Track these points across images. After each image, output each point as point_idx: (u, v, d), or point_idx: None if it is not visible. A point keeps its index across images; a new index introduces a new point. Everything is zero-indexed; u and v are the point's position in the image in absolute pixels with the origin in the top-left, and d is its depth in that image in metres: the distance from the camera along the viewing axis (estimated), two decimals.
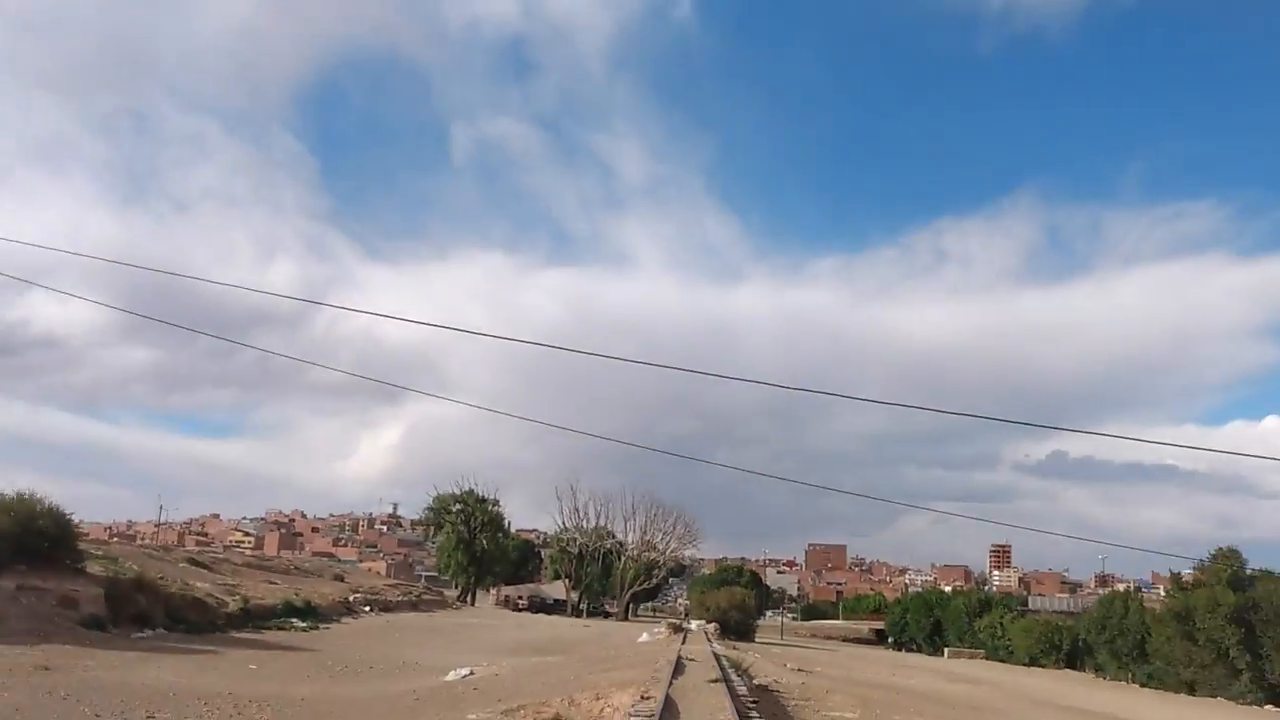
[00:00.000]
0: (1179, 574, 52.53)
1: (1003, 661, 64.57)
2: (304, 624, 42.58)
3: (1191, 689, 45.05)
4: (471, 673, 25.79)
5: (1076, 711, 29.91)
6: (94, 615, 30.55)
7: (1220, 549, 47.71)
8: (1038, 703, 32.74)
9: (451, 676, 25.03)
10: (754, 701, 18.92)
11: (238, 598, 42.64)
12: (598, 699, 18.13)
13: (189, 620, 36.03)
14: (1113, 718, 28.79)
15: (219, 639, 33.83)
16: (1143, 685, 48.43)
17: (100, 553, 41.74)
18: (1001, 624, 71.47)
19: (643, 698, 17.22)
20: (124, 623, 32.31)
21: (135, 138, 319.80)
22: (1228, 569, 45.91)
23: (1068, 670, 59.25)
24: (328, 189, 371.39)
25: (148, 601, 34.61)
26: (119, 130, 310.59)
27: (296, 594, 48.80)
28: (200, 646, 30.55)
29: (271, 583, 53.48)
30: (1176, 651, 46.32)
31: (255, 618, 41.07)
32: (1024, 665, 61.76)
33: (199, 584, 43.67)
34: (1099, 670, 56.21)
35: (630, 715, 14.96)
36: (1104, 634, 54.77)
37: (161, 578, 40.76)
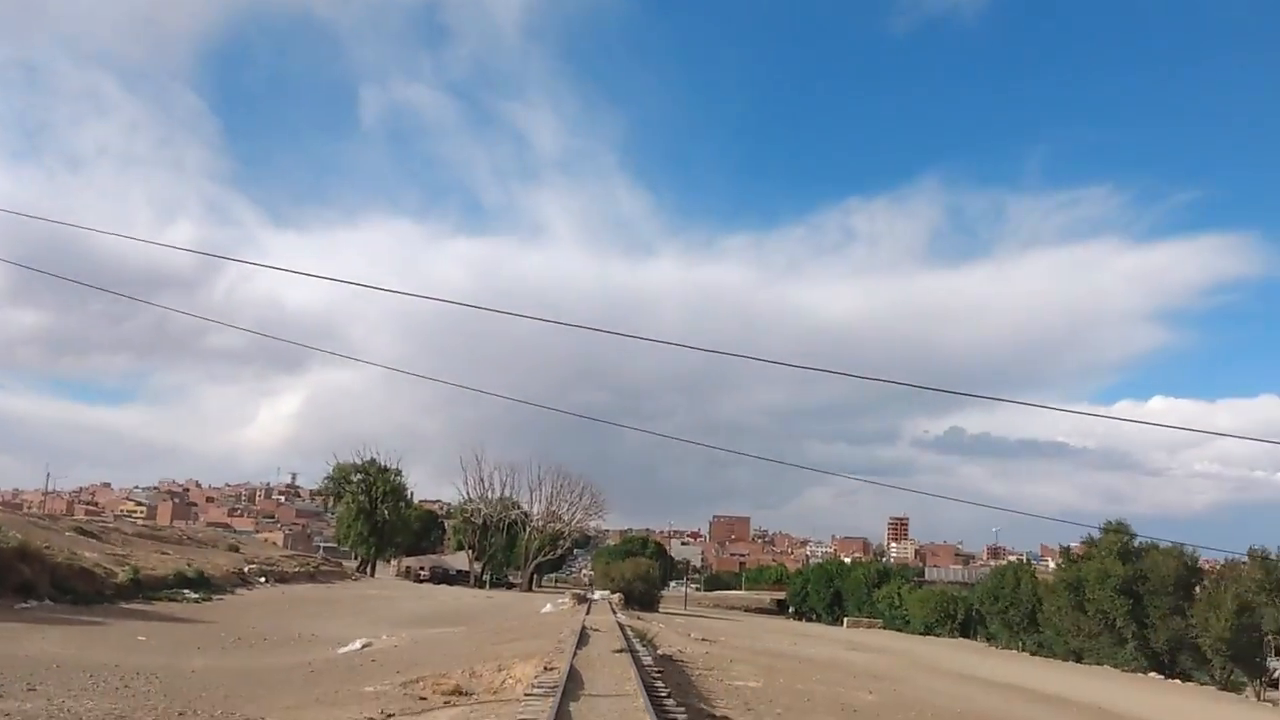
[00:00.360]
0: (1069, 547, 54.90)
1: (900, 631, 66.93)
2: (196, 595, 41.59)
3: (1079, 657, 47.34)
4: (369, 645, 25.65)
5: (973, 679, 31.29)
6: None
7: (1109, 522, 49.70)
8: (936, 670, 34.09)
9: (348, 648, 24.84)
10: (659, 672, 19.20)
11: (128, 568, 41.36)
12: (500, 670, 18.25)
13: (76, 591, 34.88)
14: (1008, 685, 30.19)
15: (108, 610, 32.86)
16: (1033, 654, 50.73)
17: None
18: (899, 594, 74.01)
19: (546, 669, 17.37)
20: (7, 593, 31.11)
21: (26, 90, 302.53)
22: (1117, 541, 47.96)
23: (962, 639, 61.68)
24: (231, 150, 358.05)
25: (32, 571, 33.35)
26: (9, 82, 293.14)
27: (189, 565, 47.57)
28: (88, 618, 29.65)
29: (163, 553, 51.98)
30: (1066, 621, 48.55)
31: (146, 589, 39.93)
32: (920, 634, 64.12)
33: (87, 554, 42.21)
34: (991, 639, 58.65)
35: (534, 686, 15.08)
36: (997, 604, 57.14)
37: (47, 547, 39.23)
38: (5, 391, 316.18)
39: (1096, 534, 50.91)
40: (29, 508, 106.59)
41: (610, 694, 14.18)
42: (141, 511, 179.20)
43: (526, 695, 13.70)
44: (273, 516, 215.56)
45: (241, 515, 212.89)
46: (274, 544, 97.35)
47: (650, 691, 14.96)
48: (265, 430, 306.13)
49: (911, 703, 21.61)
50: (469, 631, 31.77)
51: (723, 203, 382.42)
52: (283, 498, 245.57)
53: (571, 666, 16.99)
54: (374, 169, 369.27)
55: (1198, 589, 44.29)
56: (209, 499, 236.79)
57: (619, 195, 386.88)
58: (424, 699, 15.73)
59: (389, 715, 13.29)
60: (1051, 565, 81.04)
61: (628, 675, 16.67)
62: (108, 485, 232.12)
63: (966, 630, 64.51)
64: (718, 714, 16.05)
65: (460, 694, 16.19)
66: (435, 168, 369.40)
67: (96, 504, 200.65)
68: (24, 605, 30.16)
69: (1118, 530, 49.43)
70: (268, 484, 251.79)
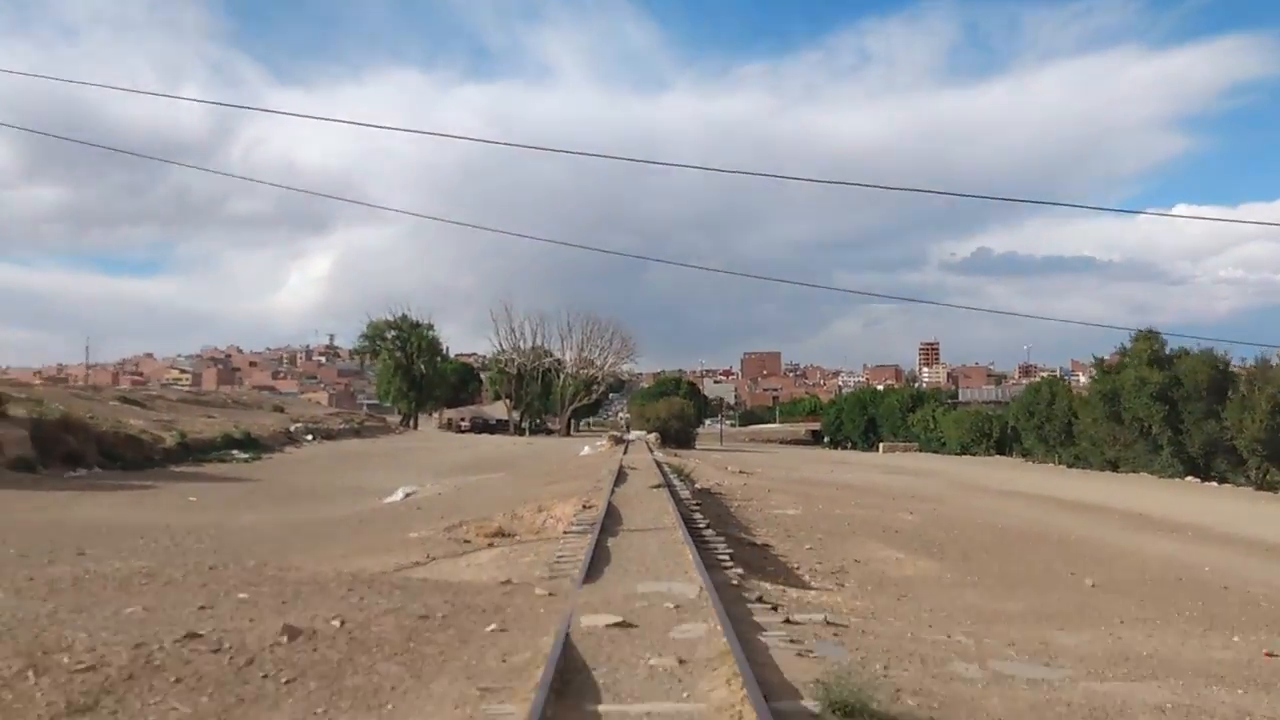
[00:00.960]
0: (1102, 358, 54.09)
1: (935, 453, 67.68)
2: (245, 455, 42.53)
3: (1115, 467, 47.53)
4: (412, 494, 26.09)
5: (1014, 495, 31.41)
6: (21, 458, 29.96)
7: (1141, 331, 49.04)
8: (975, 488, 34.32)
9: (393, 498, 25.29)
10: (697, 504, 19.34)
11: (175, 433, 42.26)
12: (540, 511, 18.40)
13: (124, 458, 35.65)
14: (1048, 497, 30.29)
15: (157, 474, 33.61)
16: (1069, 466, 51.00)
17: (24, 395, 40.73)
18: (934, 417, 74.45)
19: (585, 507, 17.49)
20: (55, 464, 31.82)
21: None
22: (1149, 349, 47.30)
23: (998, 457, 62.23)
24: (228, 7, 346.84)
25: (78, 441, 34.05)
26: None
27: (236, 427, 48.57)
28: (138, 482, 30.33)
29: (209, 417, 53.08)
30: (1101, 432, 48.47)
31: (194, 452, 40.85)
32: (956, 455, 64.78)
33: (133, 421, 43.07)
34: (1027, 455, 59.06)
35: (573, 525, 15.13)
36: (1032, 420, 57.14)
37: (92, 417, 40.04)
38: (36, 269, 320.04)
39: (1128, 345, 50.20)
40: (74, 382, 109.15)
41: (649, 528, 14.18)
42: (187, 379, 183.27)
43: (565, 533, 13.74)
44: (315, 378, 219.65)
45: (285, 378, 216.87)
46: (319, 404, 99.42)
47: (689, 523, 14.95)
48: (298, 294, 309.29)
49: (952, 520, 21.68)
50: (509, 477, 32.31)
51: (735, 30, 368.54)
52: (323, 359, 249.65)
53: (609, 504, 17.07)
54: (376, 19, 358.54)
55: (1230, 392, 43.79)
56: (251, 363, 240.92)
57: (627, 29, 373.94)
58: (468, 541, 15.86)
59: (433, 558, 13.38)
60: (1083, 380, 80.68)
61: (666, 509, 16.70)
62: (150, 355, 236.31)
63: (1002, 448, 64.97)
64: (758, 542, 16.10)
65: (502, 535, 16.31)
66: (437, 12, 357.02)
67: (141, 374, 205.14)
68: (73, 474, 30.87)
69: (1149, 338, 48.75)
70: (307, 346, 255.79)
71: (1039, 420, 56.66)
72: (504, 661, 6.83)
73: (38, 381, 73.77)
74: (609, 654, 6.91)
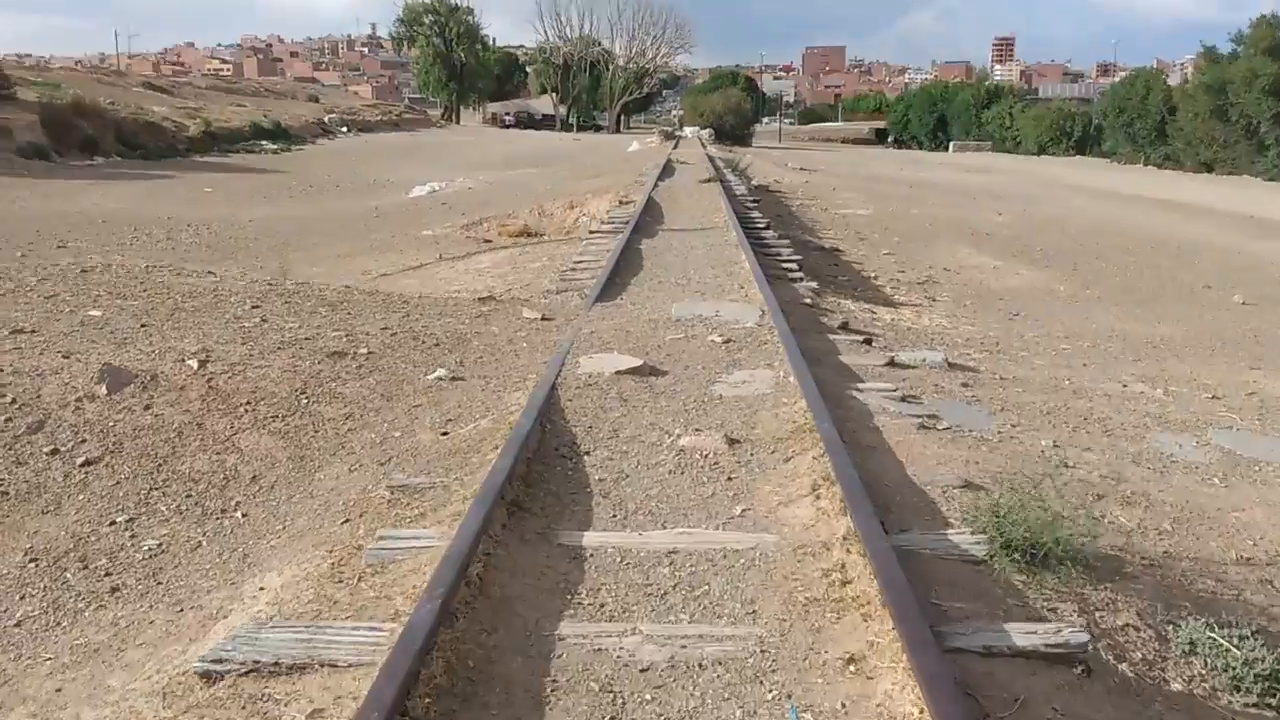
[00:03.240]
0: (1212, 46, 48.12)
1: (1010, 153, 63.20)
2: (275, 146, 40.43)
3: (1210, 168, 43.64)
4: (440, 188, 23.94)
5: (1111, 195, 28.40)
6: (32, 143, 28.19)
7: (1262, 16, 43.27)
8: (1063, 187, 31.27)
9: (417, 192, 23.22)
10: (755, 201, 16.96)
11: (199, 121, 40.03)
12: (572, 208, 16.29)
13: (145, 146, 33.77)
14: (1147, 198, 27.35)
15: (179, 164, 31.85)
16: (1159, 167, 47.06)
17: (39, 79, 38.35)
18: (1010, 114, 68.73)
19: (621, 203, 15.26)
20: (70, 151, 30.05)
21: None
22: (1268, 37, 41.78)
23: (1078, 157, 57.85)
24: None
25: (93, 127, 32.06)
26: None
27: (265, 116, 46.10)
28: (157, 172, 28.63)
29: (240, 105, 50.45)
30: (1200, 130, 44.10)
31: (221, 141, 38.79)
32: (1033, 155, 60.44)
33: (156, 108, 40.75)
34: (1111, 155, 54.67)
35: (603, 224, 12.97)
36: (1122, 116, 52.11)
37: (112, 103, 37.80)
38: None
39: (1245, 32, 44.42)
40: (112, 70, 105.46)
41: (695, 227, 11.95)
42: (228, 70, 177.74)
43: (592, 233, 11.50)
44: (359, 69, 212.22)
45: (327, 69, 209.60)
46: (356, 95, 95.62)
47: (745, 223, 12.64)
48: None
49: (1048, 221, 19.14)
50: (548, 172, 29.85)
51: None
52: (366, 50, 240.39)
53: (651, 198, 14.68)
54: None
55: None
56: (293, 54, 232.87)
57: None
58: (487, 241, 13.97)
59: (437, 260, 11.47)
60: (1174, 81, 73.78)
61: (717, 206, 14.29)
62: (192, 45, 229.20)
63: (1083, 148, 60.33)
64: (826, 246, 13.87)
65: (527, 235, 14.35)
66: None
67: (182, 64, 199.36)
68: (88, 162, 29.21)
69: (1271, 25, 43.01)
70: (349, 36, 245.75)
71: (1129, 117, 51.80)
72: (442, 436, 4.57)
73: (70, 67, 70.86)
74: (613, 427, 4.55)
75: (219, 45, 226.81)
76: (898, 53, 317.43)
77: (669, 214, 13.38)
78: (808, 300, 7.97)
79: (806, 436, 4.23)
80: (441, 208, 19.86)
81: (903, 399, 5.28)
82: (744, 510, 3.75)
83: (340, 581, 3.22)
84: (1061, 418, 5.45)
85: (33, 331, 5.80)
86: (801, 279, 9.15)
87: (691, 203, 14.91)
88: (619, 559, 3.35)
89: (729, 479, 4.04)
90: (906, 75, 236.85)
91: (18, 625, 3.30)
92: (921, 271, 12.67)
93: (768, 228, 12.87)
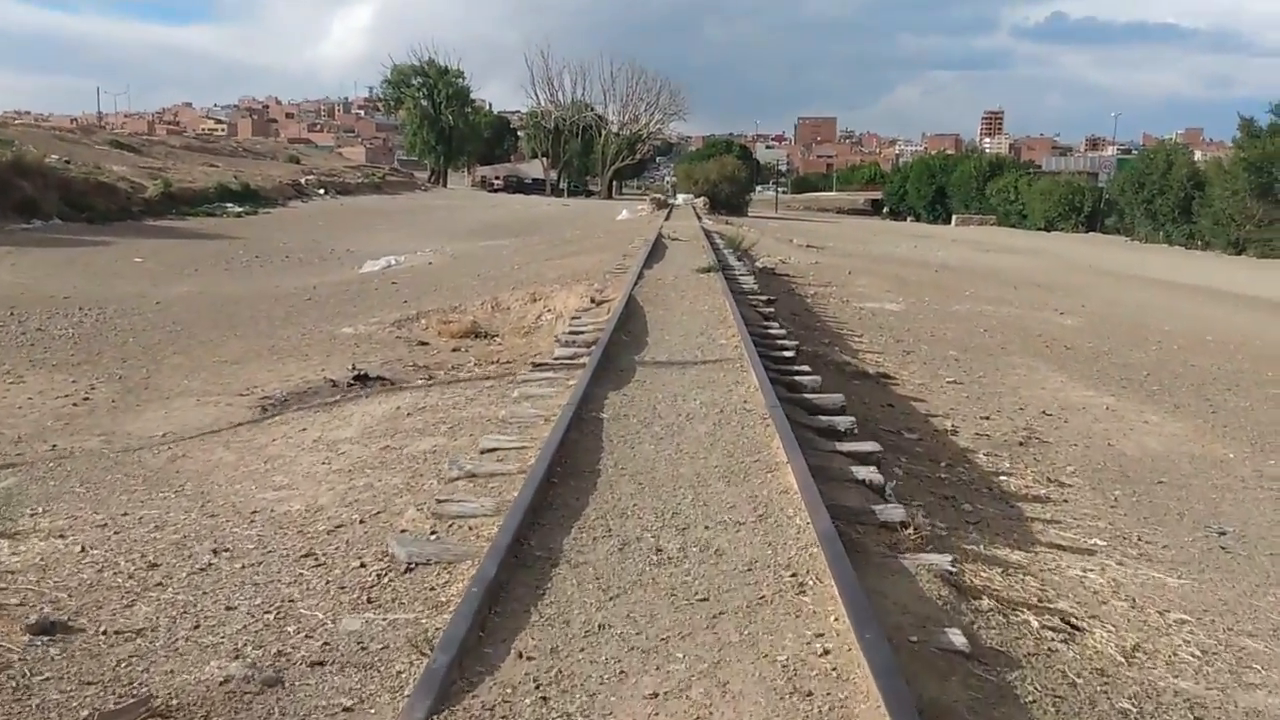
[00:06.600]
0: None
1: (1015, 228, 60.90)
2: (240, 209, 38.02)
3: (1239, 248, 41.32)
4: (396, 262, 21.31)
5: (1170, 285, 25.40)
6: None
7: None
8: (1105, 273, 28.26)
9: (369, 267, 20.55)
10: (768, 303, 12.32)
11: (159, 182, 37.63)
12: (534, 300, 13.53)
13: (94, 208, 31.31)
14: (1221, 291, 24.54)
15: (125, 228, 29.38)
16: (1185, 247, 44.70)
17: None
18: (1015, 187, 66.58)
19: (593, 301, 12.10)
20: (7, 213, 27.54)
21: None
22: None
23: (1092, 234, 55.45)
24: None
25: (34, 187, 29.56)
26: None
27: (235, 177, 43.81)
28: (92, 238, 26.09)
29: (211, 166, 48.21)
30: (1234, 208, 41.74)
31: (181, 203, 36.36)
32: (1040, 230, 58.08)
33: (116, 168, 38.47)
34: (1126, 233, 52.22)
35: (558, 340, 9.53)
36: (1141, 192, 49.76)
37: (66, 161, 35.47)
38: (74, 14, 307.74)
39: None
40: (110, 129, 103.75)
41: (691, 359, 8.23)
42: (222, 129, 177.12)
43: (536, 367, 8.19)
44: (353, 131, 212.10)
45: (322, 130, 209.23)
46: (342, 156, 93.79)
47: (763, 346, 8.88)
48: (341, 45, 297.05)
49: (1123, 325, 15.82)
50: (523, 244, 27.29)
51: None
52: (361, 111, 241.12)
53: (631, 297, 11.35)
54: None
55: None
56: (288, 115, 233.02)
57: None
58: (422, 343, 11.26)
59: (347, 377, 8.72)
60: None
61: (722, 314, 10.41)
62: (189, 105, 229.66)
63: (1093, 224, 58.04)
64: (867, 367, 10.56)
65: (474, 335, 11.70)
66: None
67: (178, 123, 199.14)
68: (24, 226, 26.63)
69: None
70: (346, 98, 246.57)
71: (1150, 193, 49.31)
72: None
73: (36, 124, 68.90)
74: None
75: (215, 105, 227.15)
76: (887, 124, 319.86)
77: (655, 326, 9.79)
78: (942, 618, 3.75)
79: None
80: (389, 288, 17.20)
81: None
82: None
83: None
84: None
85: None
86: (906, 528, 4.69)
87: (686, 305, 11.22)
88: None
89: None
90: (897, 146, 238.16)
91: None
92: (1012, 416, 9.01)
93: (797, 354, 8.88)
